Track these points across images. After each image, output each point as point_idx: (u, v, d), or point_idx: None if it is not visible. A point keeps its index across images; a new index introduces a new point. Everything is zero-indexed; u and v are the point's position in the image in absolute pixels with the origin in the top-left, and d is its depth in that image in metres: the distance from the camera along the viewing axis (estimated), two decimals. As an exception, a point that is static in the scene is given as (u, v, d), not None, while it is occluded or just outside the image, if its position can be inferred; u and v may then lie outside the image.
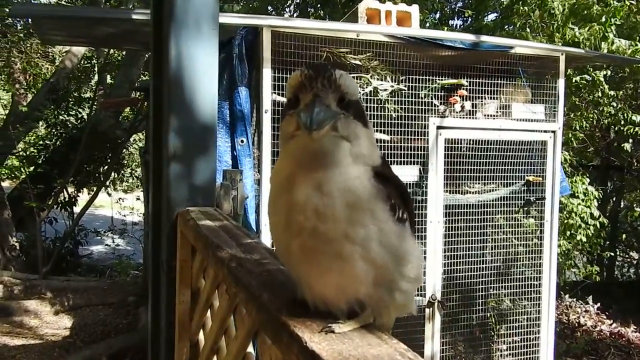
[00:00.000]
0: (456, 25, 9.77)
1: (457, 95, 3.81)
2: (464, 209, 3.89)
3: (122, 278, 7.94)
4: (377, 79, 3.61)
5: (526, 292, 4.11)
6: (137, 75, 9.17)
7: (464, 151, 4.03)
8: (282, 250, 0.90)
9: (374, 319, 0.86)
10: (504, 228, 4.13)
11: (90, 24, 3.61)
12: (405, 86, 3.68)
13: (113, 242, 9.80)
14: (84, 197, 9.12)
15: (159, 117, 2.19)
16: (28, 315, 5.84)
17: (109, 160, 8.99)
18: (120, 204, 10.56)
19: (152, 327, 2.33)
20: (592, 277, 7.29)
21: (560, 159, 4.18)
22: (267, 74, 3.22)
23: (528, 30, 6.36)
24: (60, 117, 8.72)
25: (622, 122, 6.45)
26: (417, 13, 3.96)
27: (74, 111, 9.06)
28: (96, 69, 10.59)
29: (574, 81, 6.11)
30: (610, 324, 6.90)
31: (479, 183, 3.95)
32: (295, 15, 10.64)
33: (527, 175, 4.03)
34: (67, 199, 8.48)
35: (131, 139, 10.10)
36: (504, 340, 4.13)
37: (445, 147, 3.78)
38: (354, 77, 3.31)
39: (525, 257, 4.17)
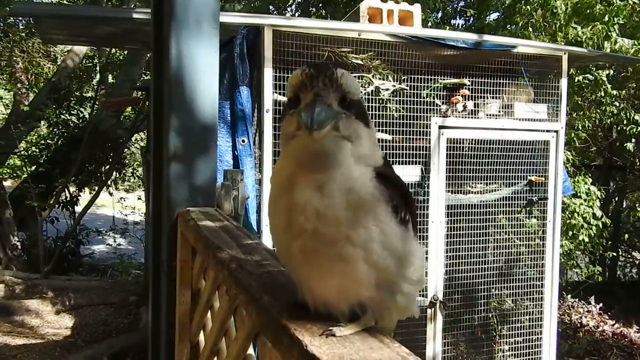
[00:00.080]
0: (458, 24, 9.76)
1: (459, 95, 3.80)
2: (466, 209, 3.88)
3: (124, 278, 7.95)
4: (379, 79, 3.59)
5: (528, 293, 4.10)
6: (138, 74, 9.18)
7: (466, 151, 4.01)
8: (283, 252, 0.88)
9: (375, 322, 0.85)
10: (506, 228, 4.11)
11: (91, 23, 3.61)
12: (407, 86, 3.67)
13: (114, 241, 9.80)
14: (85, 196, 9.13)
15: (159, 117, 2.18)
16: (29, 314, 5.85)
17: (110, 160, 9.00)
18: (122, 204, 10.57)
19: (152, 327, 2.33)
20: (595, 277, 7.27)
21: (562, 158, 4.16)
22: (268, 73, 3.21)
23: (530, 29, 6.34)
24: (62, 117, 8.73)
25: (625, 122, 6.43)
26: (419, 12, 3.95)
27: (75, 110, 9.07)
28: (98, 68, 10.60)
29: (576, 81, 6.09)
30: (613, 325, 6.87)
31: (481, 183, 3.93)
32: (296, 14, 10.63)
33: (530, 175, 4.02)
34: (68, 199, 8.49)
35: (133, 139, 10.10)
36: (506, 341, 4.11)
37: (447, 147, 3.77)
38: (355, 76, 3.29)
39: (528, 257, 4.16)
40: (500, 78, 3.91)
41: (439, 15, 9.50)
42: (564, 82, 4.05)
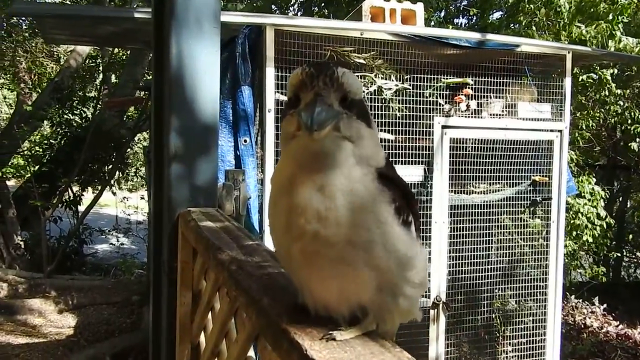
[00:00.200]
0: (461, 23, 9.72)
1: (462, 94, 3.78)
2: (469, 209, 3.86)
3: (127, 277, 7.96)
4: (382, 78, 3.57)
5: (532, 293, 4.08)
6: (141, 74, 9.18)
7: (469, 151, 3.99)
8: (283, 254, 0.87)
9: (377, 326, 0.83)
10: (509, 228, 4.09)
11: (92, 23, 3.60)
12: (409, 85, 3.66)
13: (117, 241, 9.83)
14: (88, 196, 9.15)
15: (160, 117, 2.17)
16: (32, 313, 5.86)
17: (113, 159, 9.01)
18: (125, 203, 10.61)
19: (153, 328, 2.32)
20: (599, 277, 7.22)
21: (566, 158, 4.14)
22: (270, 73, 3.20)
23: (534, 28, 6.31)
24: (65, 117, 8.75)
25: (629, 121, 6.40)
26: (421, 11, 3.94)
27: (78, 110, 9.10)
28: (101, 68, 10.62)
29: (580, 80, 6.07)
30: (617, 326, 6.83)
31: (484, 183, 3.91)
32: (299, 13, 10.62)
33: (533, 175, 3.99)
34: (71, 198, 8.52)
35: (135, 138, 10.13)
36: (510, 342, 4.09)
37: (450, 146, 3.75)
38: (357, 76, 3.28)
39: (531, 258, 4.13)
40: (503, 77, 3.89)
41: (442, 14, 9.46)
42: (567, 82, 4.02)
